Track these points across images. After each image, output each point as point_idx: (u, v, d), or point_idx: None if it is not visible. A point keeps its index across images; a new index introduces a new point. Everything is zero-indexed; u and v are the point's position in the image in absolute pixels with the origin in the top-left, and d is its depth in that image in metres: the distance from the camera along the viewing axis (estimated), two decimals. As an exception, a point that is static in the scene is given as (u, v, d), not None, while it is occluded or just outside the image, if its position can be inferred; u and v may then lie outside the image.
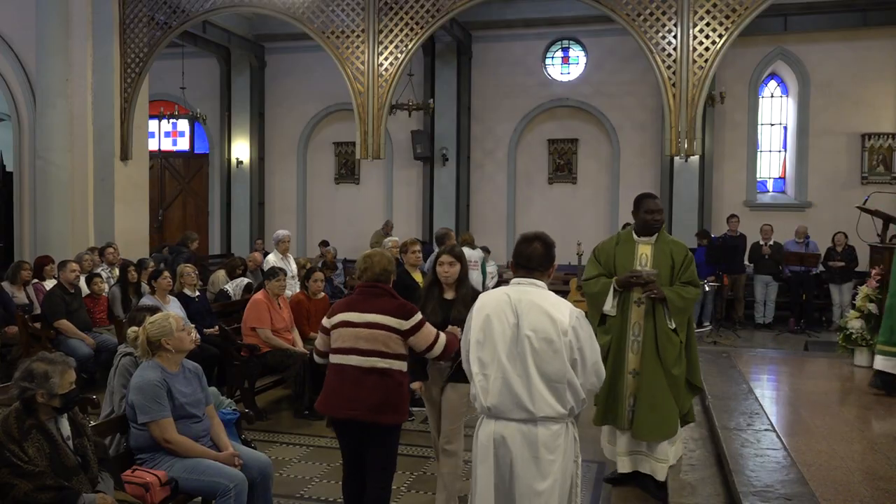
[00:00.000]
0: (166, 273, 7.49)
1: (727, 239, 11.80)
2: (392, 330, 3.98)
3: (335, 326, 4.09)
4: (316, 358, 4.34)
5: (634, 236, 4.85)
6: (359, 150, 10.18)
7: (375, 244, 12.91)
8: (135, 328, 4.19)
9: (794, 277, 11.63)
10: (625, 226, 12.99)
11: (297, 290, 8.13)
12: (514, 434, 3.11)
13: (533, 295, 3.15)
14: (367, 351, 3.96)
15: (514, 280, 3.23)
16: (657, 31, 9.03)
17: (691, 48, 8.93)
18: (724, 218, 12.71)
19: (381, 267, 4.11)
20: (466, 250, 11.60)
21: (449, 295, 4.65)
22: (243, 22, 15.09)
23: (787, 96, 14.29)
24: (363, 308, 4.04)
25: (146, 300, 7.19)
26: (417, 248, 7.28)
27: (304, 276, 7.88)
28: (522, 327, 3.10)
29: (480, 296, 3.33)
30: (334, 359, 4.07)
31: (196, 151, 16.92)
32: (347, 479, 4.26)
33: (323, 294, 7.87)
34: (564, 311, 3.10)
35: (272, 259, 9.35)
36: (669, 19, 8.99)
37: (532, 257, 3.21)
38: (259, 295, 7.27)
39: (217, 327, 7.58)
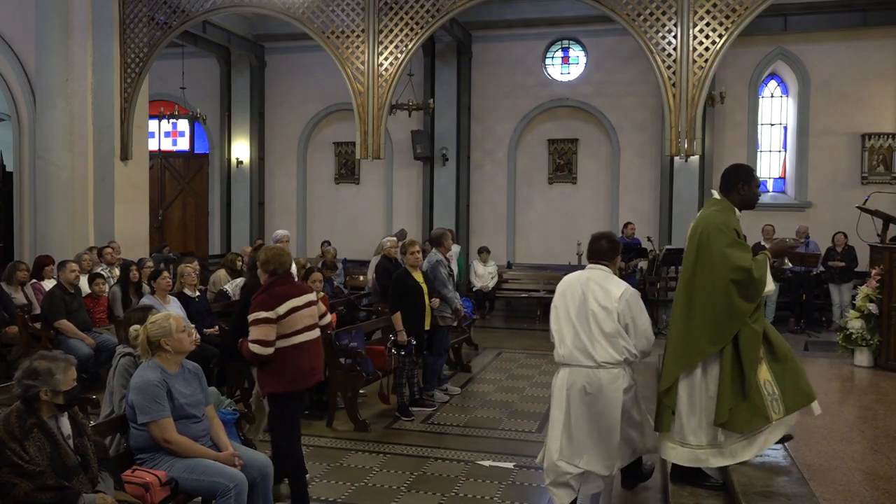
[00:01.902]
0: (166, 273, 7.48)
1: (727, 239, 11.78)
2: (314, 304, 4.98)
3: (287, 314, 4.68)
4: (261, 350, 4.60)
5: (737, 212, 4.36)
6: (359, 150, 10.17)
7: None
8: (137, 326, 4.20)
9: (795, 277, 11.63)
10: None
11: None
12: (583, 376, 4.20)
13: (598, 276, 4.33)
14: (312, 326, 4.87)
15: (588, 266, 4.44)
16: (657, 31, 9.03)
17: (691, 48, 8.92)
18: (724, 218, 12.69)
19: (291, 260, 5.02)
20: None
21: None
22: (243, 22, 15.09)
23: (787, 96, 14.29)
24: (297, 293, 4.84)
25: (146, 300, 7.18)
26: (417, 248, 7.33)
27: (303, 276, 7.88)
28: (588, 298, 4.24)
29: (564, 277, 4.48)
30: (293, 340, 4.71)
31: (196, 151, 16.91)
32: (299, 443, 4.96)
33: (322, 294, 7.87)
34: (619, 288, 4.24)
35: (272, 259, 9.33)
36: (669, 19, 8.99)
37: (599, 251, 4.41)
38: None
39: (217, 327, 7.57)
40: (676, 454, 4.35)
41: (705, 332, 4.17)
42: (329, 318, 5.47)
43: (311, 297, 4.93)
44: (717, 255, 4.15)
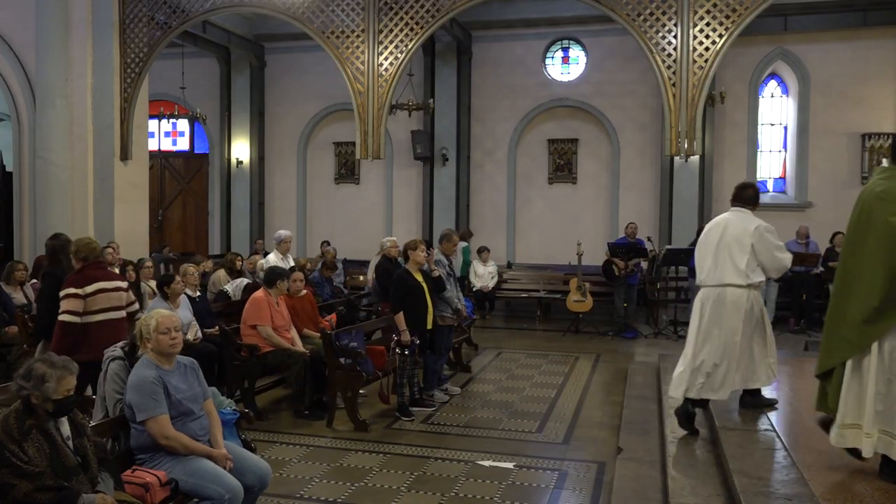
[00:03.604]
0: (178, 278, 7.40)
1: (727, 239, 11.79)
2: (123, 290, 5.86)
3: (94, 293, 5.57)
4: (70, 318, 5.52)
5: None
6: (359, 150, 10.17)
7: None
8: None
9: (795, 277, 11.61)
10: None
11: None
12: (715, 294, 5.31)
13: (739, 216, 5.41)
14: (118, 307, 5.76)
15: (732, 209, 5.48)
16: (657, 31, 9.03)
17: (691, 48, 8.92)
18: (724, 218, 12.69)
19: (100, 249, 5.90)
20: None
21: None
22: (243, 22, 15.09)
23: (787, 96, 14.29)
24: (107, 278, 5.76)
25: (155, 303, 7.12)
26: (423, 247, 7.33)
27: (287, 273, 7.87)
28: (727, 233, 5.30)
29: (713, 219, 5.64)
30: (98, 317, 5.62)
31: (196, 151, 16.92)
32: None
33: (305, 292, 7.86)
34: (753, 224, 5.29)
35: (272, 259, 9.35)
36: (669, 19, 8.99)
37: (744, 197, 5.46)
38: (259, 293, 7.26)
39: (217, 327, 7.57)
40: (880, 444, 3.97)
41: (862, 312, 3.90)
42: (136, 305, 6.15)
43: (121, 283, 5.93)
44: (880, 225, 3.83)
